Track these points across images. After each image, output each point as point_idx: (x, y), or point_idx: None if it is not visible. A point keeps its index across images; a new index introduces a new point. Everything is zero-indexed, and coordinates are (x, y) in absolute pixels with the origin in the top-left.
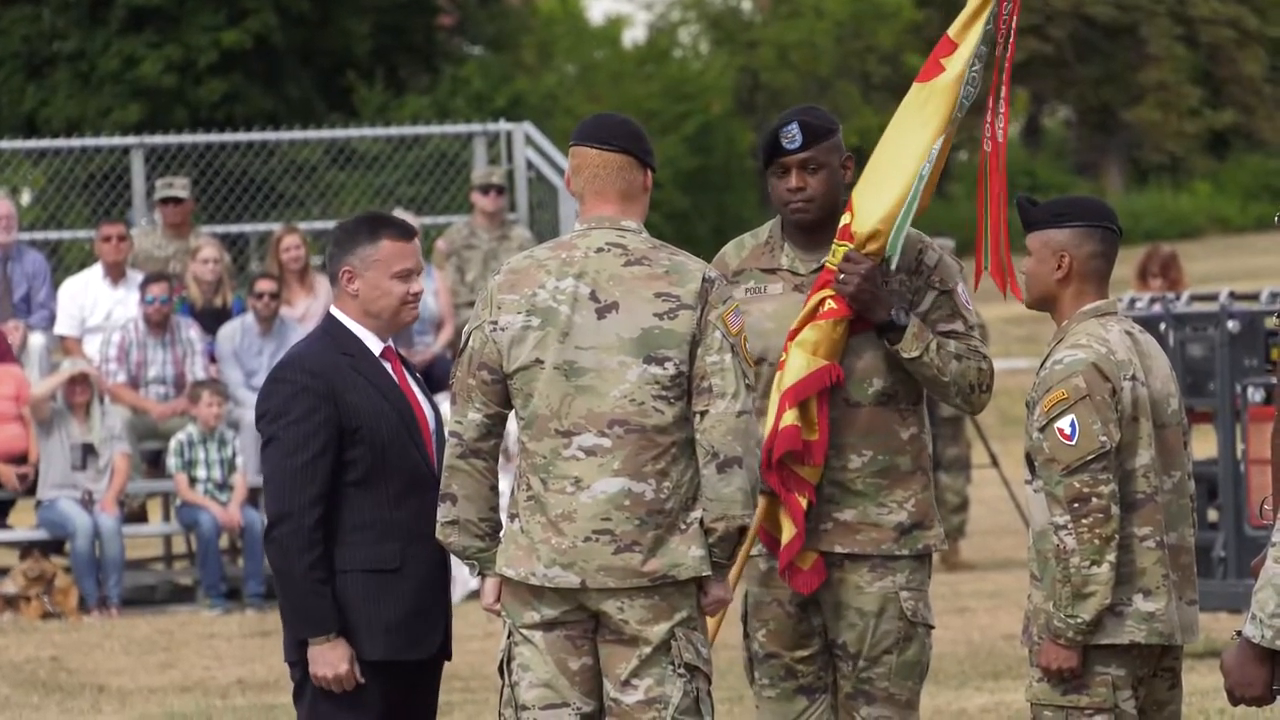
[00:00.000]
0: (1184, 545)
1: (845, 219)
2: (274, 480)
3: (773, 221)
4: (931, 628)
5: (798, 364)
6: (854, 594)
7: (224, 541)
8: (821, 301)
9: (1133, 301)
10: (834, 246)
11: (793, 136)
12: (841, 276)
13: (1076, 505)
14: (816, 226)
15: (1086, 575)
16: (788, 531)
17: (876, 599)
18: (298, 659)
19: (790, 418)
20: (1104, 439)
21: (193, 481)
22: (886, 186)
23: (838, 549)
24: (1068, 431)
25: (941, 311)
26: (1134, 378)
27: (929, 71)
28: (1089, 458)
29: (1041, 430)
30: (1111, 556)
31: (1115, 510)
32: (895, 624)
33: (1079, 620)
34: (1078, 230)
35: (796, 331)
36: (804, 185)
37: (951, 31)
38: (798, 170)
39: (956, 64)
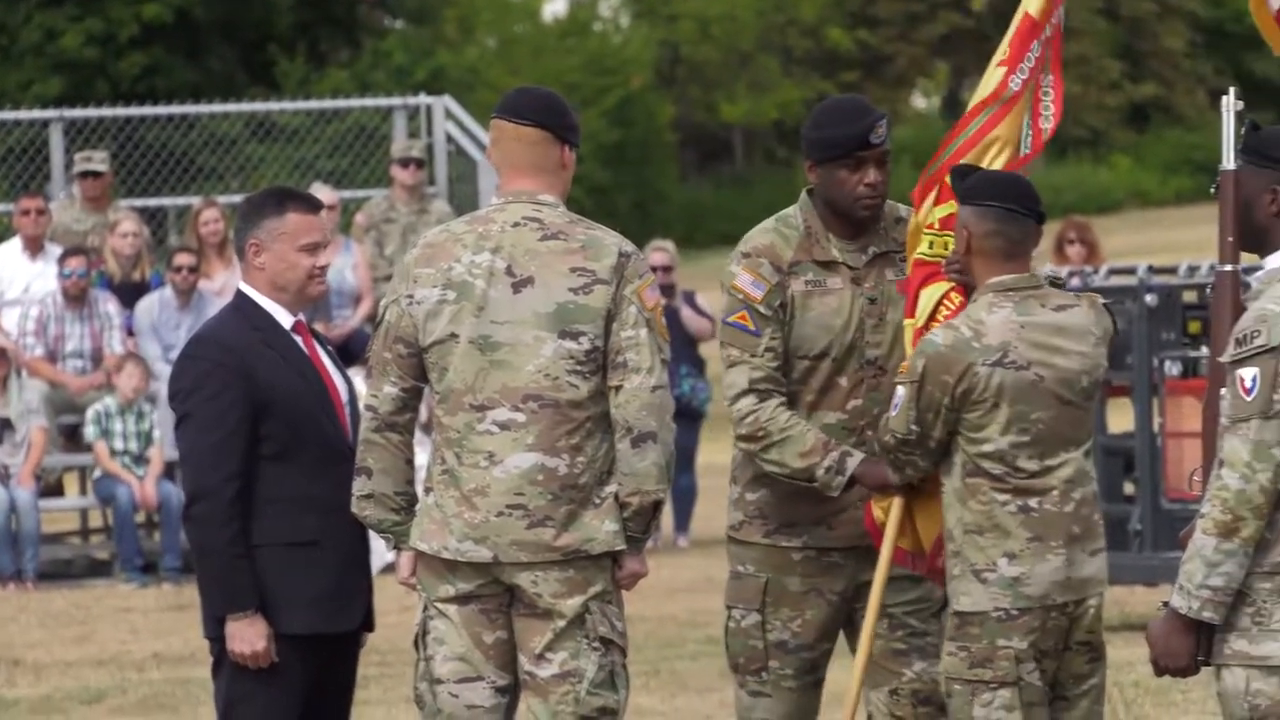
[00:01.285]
0: (1085, 499)
1: (947, 209)
2: (190, 457)
3: (799, 209)
4: None
5: None
6: (897, 570)
7: (140, 515)
8: (946, 295)
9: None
10: (927, 236)
11: (882, 132)
12: None
13: (884, 452)
14: (876, 220)
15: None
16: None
17: None
18: (216, 634)
19: None
20: (914, 428)
21: (111, 453)
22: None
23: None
24: (895, 404)
25: None
26: (1002, 363)
27: (1016, 59)
28: (898, 435)
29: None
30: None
31: (912, 475)
32: (939, 590)
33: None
34: (976, 208)
35: (924, 330)
36: (881, 180)
37: (1032, 10)
38: (877, 166)
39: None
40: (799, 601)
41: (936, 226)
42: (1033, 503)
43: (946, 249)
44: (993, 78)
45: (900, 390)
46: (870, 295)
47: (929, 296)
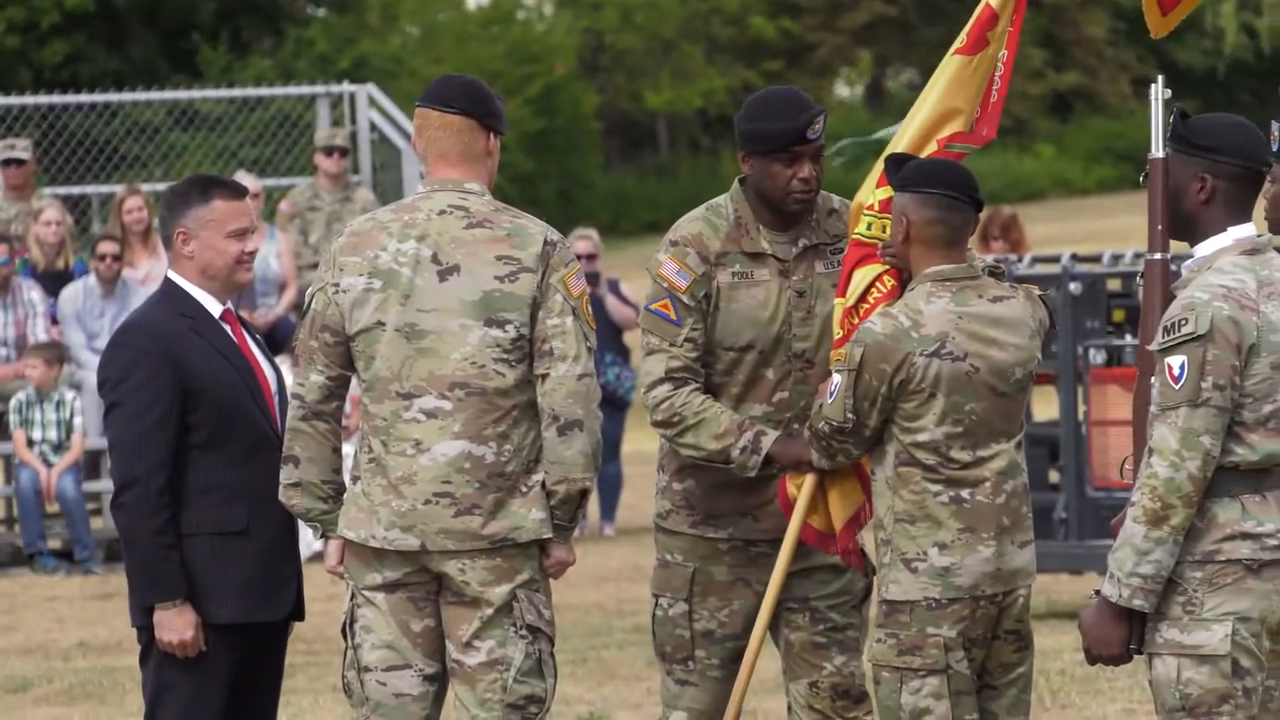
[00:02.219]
0: (1015, 492)
1: (886, 191)
2: (119, 446)
3: (730, 199)
4: None
5: None
6: (819, 558)
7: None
8: (879, 278)
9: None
10: (866, 217)
11: (819, 128)
12: None
13: (814, 438)
14: (808, 212)
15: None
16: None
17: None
18: (144, 623)
19: None
20: (850, 416)
21: (30, 442)
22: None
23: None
24: (830, 390)
25: None
26: (939, 353)
27: (976, 44)
28: (833, 422)
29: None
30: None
31: (842, 461)
32: (860, 581)
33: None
34: (916, 195)
35: (853, 310)
36: (816, 175)
37: (994, 2)
38: (812, 160)
39: (999, 35)
40: (726, 591)
41: (876, 208)
42: (964, 494)
43: (884, 231)
44: (949, 65)
45: (836, 377)
46: (798, 288)
47: (862, 278)
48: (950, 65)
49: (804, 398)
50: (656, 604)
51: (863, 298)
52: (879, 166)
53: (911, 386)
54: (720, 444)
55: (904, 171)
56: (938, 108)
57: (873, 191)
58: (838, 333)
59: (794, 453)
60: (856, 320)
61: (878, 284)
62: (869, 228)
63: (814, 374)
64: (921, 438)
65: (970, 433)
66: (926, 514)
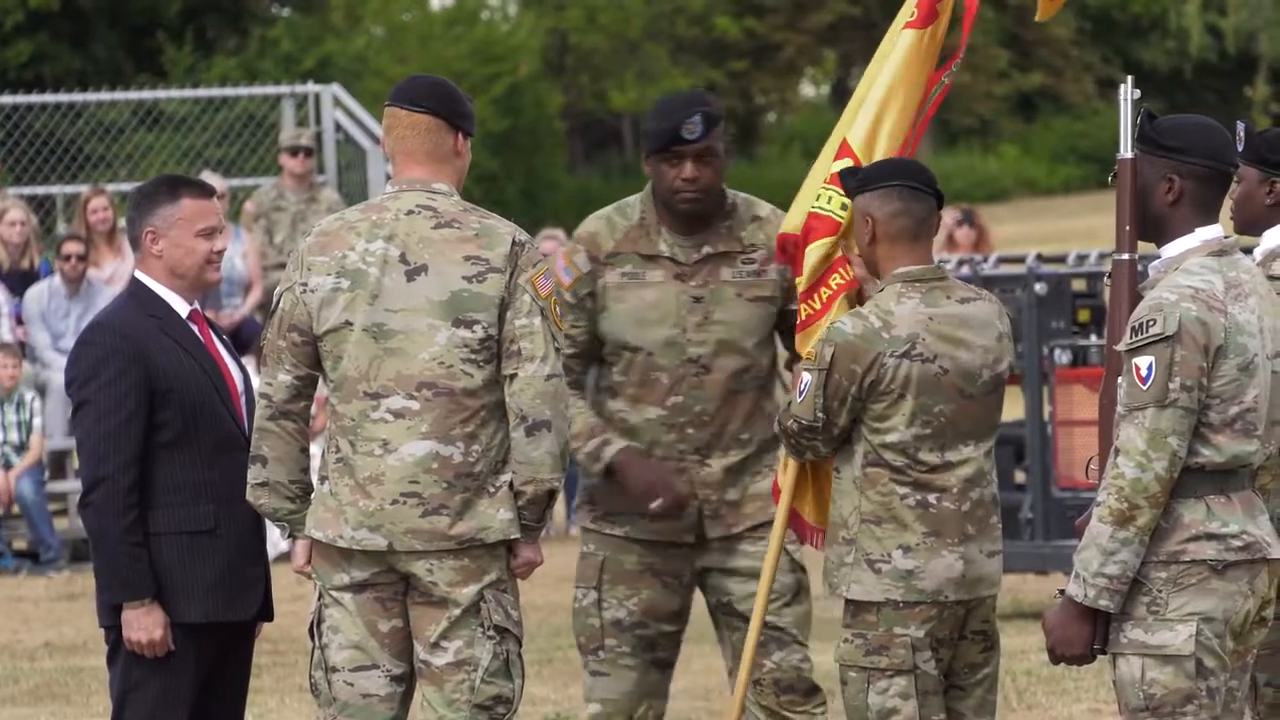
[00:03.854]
0: (982, 500)
1: (846, 164)
2: (88, 445)
3: (640, 200)
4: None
5: None
6: (739, 557)
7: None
8: (836, 266)
9: (940, 264)
10: (824, 190)
11: (695, 127)
12: None
13: (782, 435)
14: (704, 215)
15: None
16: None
17: (761, 557)
18: (112, 623)
19: None
20: (820, 415)
21: None
22: (893, 134)
23: (734, 530)
24: (800, 389)
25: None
26: (910, 354)
27: (926, 18)
28: (802, 422)
29: (797, 371)
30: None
31: (811, 458)
32: (788, 576)
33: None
34: (879, 191)
35: (811, 294)
36: (699, 176)
37: None
38: (694, 161)
39: (948, 7)
40: (635, 580)
41: (835, 183)
42: (931, 498)
43: (830, 203)
44: (902, 40)
45: (806, 376)
46: (695, 294)
47: (815, 255)
48: (903, 41)
49: (699, 403)
50: (574, 596)
51: (822, 280)
52: (836, 139)
53: (881, 387)
54: (572, 445)
55: (860, 176)
56: (893, 83)
57: (830, 165)
58: (803, 313)
59: (641, 477)
60: (816, 305)
61: (837, 273)
62: (829, 201)
63: (709, 380)
64: (890, 438)
65: (939, 434)
66: (893, 515)
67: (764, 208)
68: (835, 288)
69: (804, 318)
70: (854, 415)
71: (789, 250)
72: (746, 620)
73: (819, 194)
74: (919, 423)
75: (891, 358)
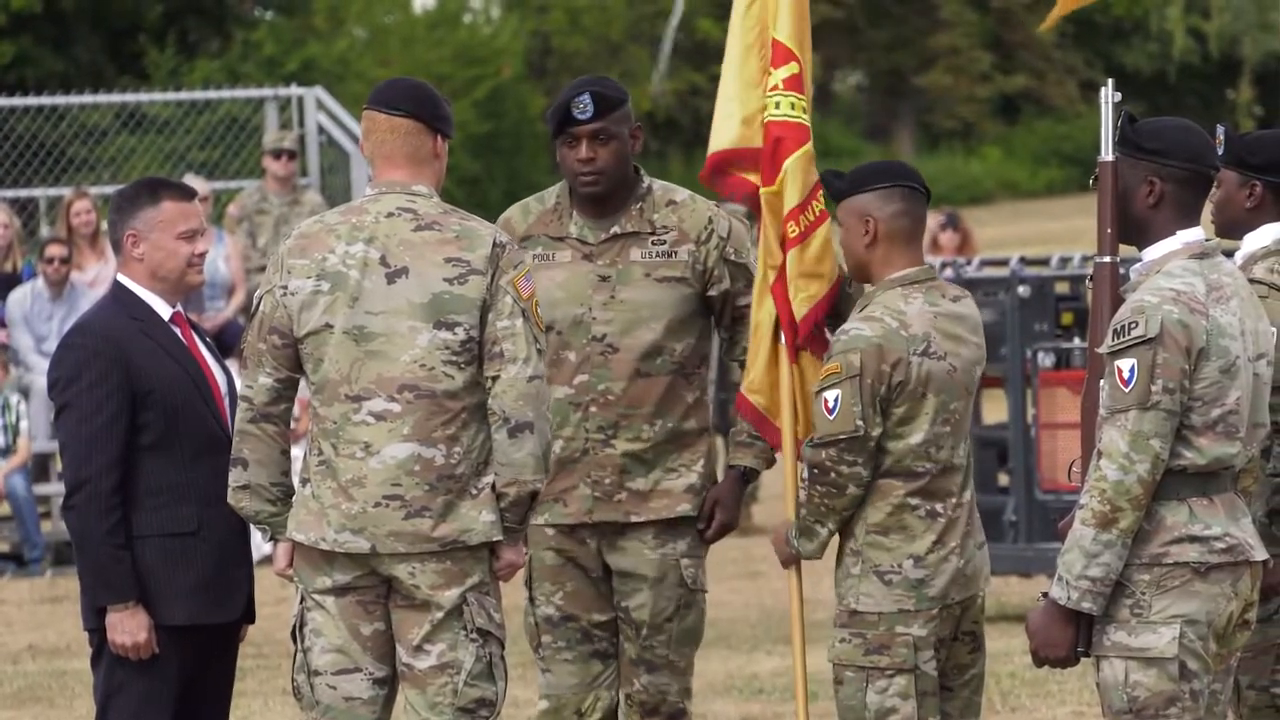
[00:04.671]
0: (971, 498)
1: (788, 69)
2: (70, 447)
3: (559, 186)
4: (706, 592)
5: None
6: (637, 561)
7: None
8: (816, 189)
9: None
10: (772, 96)
11: (584, 107)
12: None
13: (816, 473)
14: (606, 196)
15: (811, 528)
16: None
17: (657, 565)
18: (96, 625)
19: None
20: (859, 424)
21: None
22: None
23: (632, 518)
24: (830, 405)
25: (739, 284)
26: (927, 353)
27: None
28: (840, 437)
29: (815, 395)
30: (833, 524)
31: (853, 490)
32: (675, 591)
33: (798, 549)
34: (879, 192)
35: (805, 207)
36: (594, 156)
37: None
38: (588, 141)
39: None
40: (557, 574)
41: (781, 87)
42: (938, 506)
43: (794, 108)
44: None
45: (831, 393)
46: (602, 273)
47: (799, 165)
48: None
49: (603, 381)
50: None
51: (813, 194)
52: (748, 40)
53: (910, 387)
54: None
55: (855, 174)
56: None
57: (756, 67)
58: (791, 231)
59: None
60: (810, 218)
61: (818, 197)
62: (778, 106)
63: (616, 359)
64: (914, 440)
65: (954, 432)
66: (901, 525)
67: (681, 193)
68: (817, 214)
69: (794, 236)
70: (881, 424)
71: (737, 166)
72: (634, 630)
73: (768, 102)
74: (940, 420)
75: (914, 356)
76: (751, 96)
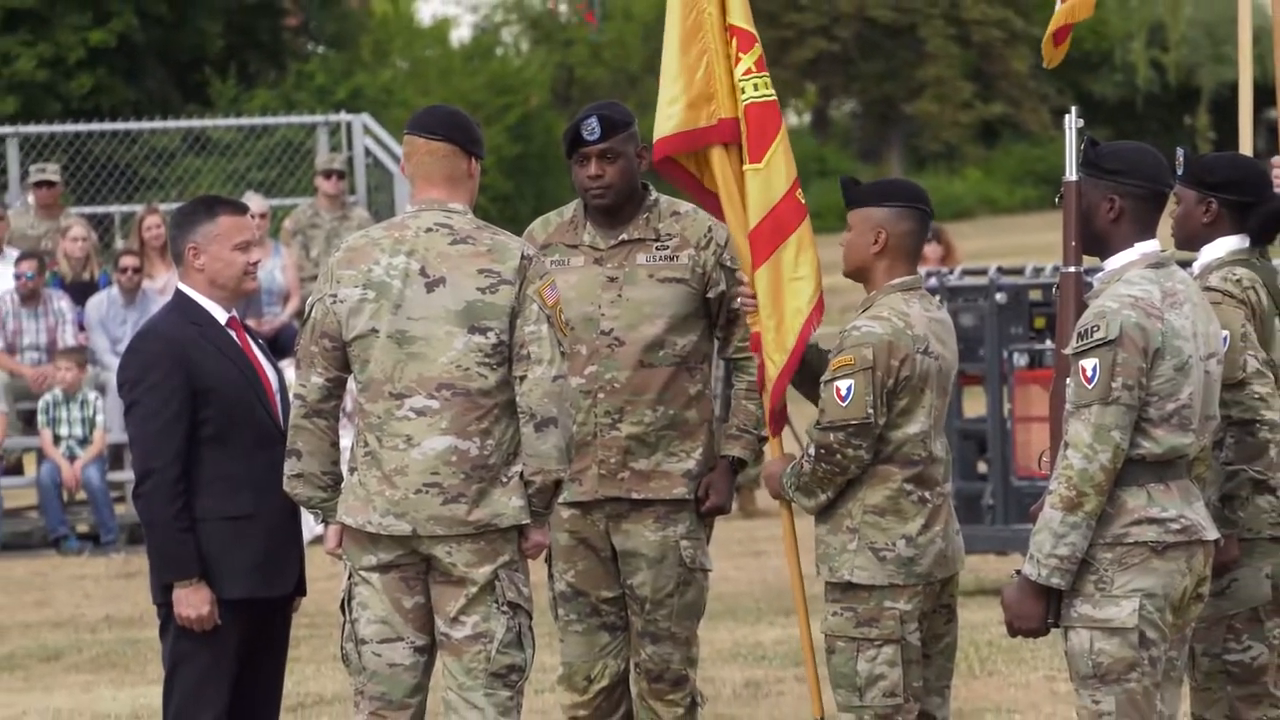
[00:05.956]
0: (950, 491)
1: (752, 55)
2: (138, 441)
3: (576, 201)
4: (708, 571)
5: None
6: (640, 543)
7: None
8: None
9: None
10: (745, 80)
11: (592, 129)
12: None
13: (822, 452)
14: (614, 209)
15: (811, 490)
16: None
17: (658, 547)
18: (164, 600)
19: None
20: (870, 412)
21: (57, 439)
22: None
23: (634, 495)
24: (843, 393)
25: (734, 287)
26: (927, 351)
27: None
28: (851, 422)
29: (825, 384)
30: (832, 492)
31: (853, 471)
32: (675, 570)
33: (791, 497)
34: (895, 210)
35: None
36: (602, 173)
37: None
38: (597, 159)
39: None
40: (570, 554)
41: (754, 70)
42: (927, 493)
43: (762, 88)
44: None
45: (843, 383)
46: (611, 275)
47: (782, 147)
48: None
49: (610, 371)
50: None
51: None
52: (700, 28)
53: (913, 381)
54: None
55: (877, 188)
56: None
57: (740, 62)
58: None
59: None
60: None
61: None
62: (757, 88)
63: (622, 351)
64: (912, 430)
65: (937, 426)
66: (896, 509)
67: (685, 206)
68: (801, 202)
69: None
70: (884, 413)
71: (707, 139)
72: (639, 605)
73: (745, 85)
74: (935, 413)
75: (918, 354)
76: (693, 81)
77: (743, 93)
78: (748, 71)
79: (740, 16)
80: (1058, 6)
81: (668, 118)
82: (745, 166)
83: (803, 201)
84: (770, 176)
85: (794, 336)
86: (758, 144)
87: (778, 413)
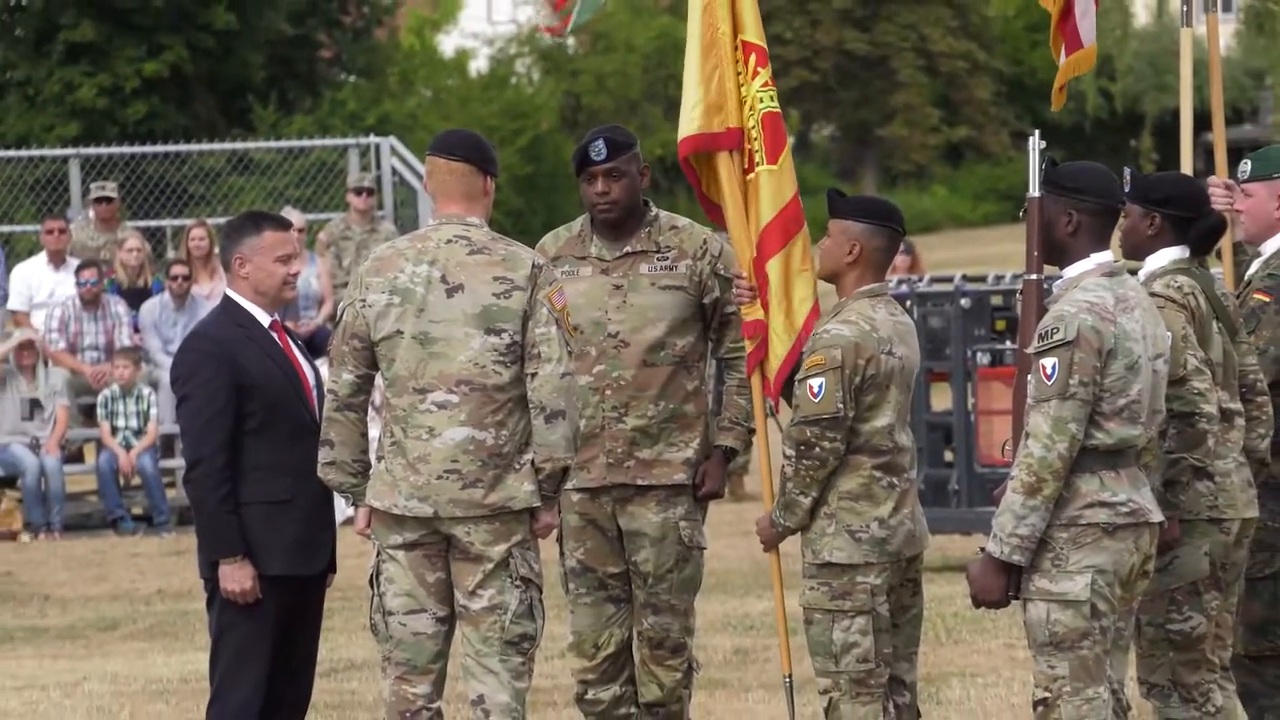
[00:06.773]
0: (916, 478)
1: (765, 74)
2: (188, 432)
3: (584, 216)
4: (704, 549)
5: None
6: (644, 524)
7: (135, 480)
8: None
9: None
10: (763, 90)
11: (599, 150)
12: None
13: (802, 448)
14: (619, 223)
15: (795, 499)
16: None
17: (659, 527)
18: (210, 575)
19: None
20: (839, 406)
21: (114, 430)
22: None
23: (638, 481)
24: (815, 390)
25: (727, 294)
26: (891, 351)
27: None
28: (823, 416)
29: (799, 382)
30: (815, 493)
31: (831, 463)
32: (675, 548)
33: (782, 524)
34: (871, 226)
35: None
36: (608, 190)
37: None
38: (603, 178)
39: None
40: (579, 533)
41: (771, 84)
42: (895, 480)
43: (774, 100)
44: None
45: (816, 380)
46: (616, 283)
47: (788, 157)
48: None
49: (616, 370)
50: None
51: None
52: (713, 44)
53: (878, 379)
54: None
55: (859, 204)
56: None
57: (748, 86)
58: (749, 249)
59: None
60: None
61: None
62: (773, 99)
63: (627, 352)
64: (879, 423)
65: (901, 419)
66: (869, 494)
67: (682, 221)
68: (803, 313)
69: (759, 251)
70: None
71: (717, 144)
72: (642, 580)
73: (764, 96)
74: (899, 407)
75: (883, 354)
76: (709, 90)
77: (761, 102)
78: (765, 84)
79: (754, 32)
80: (1061, 61)
81: (690, 120)
82: (761, 167)
83: (802, 209)
84: (783, 177)
85: (801, 319)
86: (774, 147)
87: (781, 386)
